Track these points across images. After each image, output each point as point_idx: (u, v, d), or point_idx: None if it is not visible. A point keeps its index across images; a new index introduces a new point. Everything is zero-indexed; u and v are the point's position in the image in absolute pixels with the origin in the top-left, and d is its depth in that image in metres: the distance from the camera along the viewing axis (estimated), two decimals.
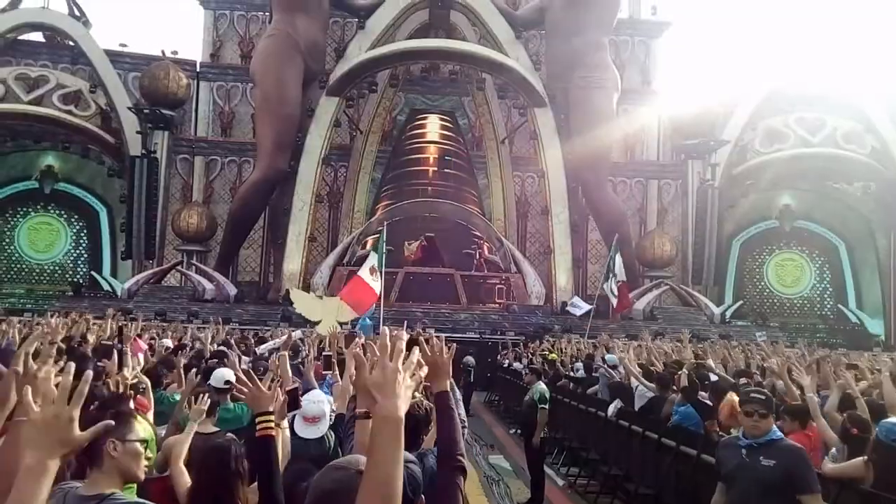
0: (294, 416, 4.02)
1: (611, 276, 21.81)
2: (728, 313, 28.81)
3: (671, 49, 64.78)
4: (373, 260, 15.68)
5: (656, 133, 33.07)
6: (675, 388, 8.14)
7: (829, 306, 34.47)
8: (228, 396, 5.30)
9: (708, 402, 7.63)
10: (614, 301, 22.00)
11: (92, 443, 1.95)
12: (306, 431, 3.83)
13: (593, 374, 11.42)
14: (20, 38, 30.80)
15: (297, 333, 11.18)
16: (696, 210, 30.52)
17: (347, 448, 3.31)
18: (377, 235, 29.04)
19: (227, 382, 5.17)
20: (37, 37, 31.53)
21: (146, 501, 2.50)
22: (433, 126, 34.11)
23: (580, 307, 23.23)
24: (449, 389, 2.68)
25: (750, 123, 30.75)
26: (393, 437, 1.67)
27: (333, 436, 3.89)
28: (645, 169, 33.06)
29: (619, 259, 21.97)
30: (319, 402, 3.99)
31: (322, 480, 1.87)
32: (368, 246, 30.12)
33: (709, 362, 9.83)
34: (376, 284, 15.28)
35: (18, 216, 32.70)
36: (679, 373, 8.45)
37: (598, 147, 27.79)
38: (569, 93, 29.00)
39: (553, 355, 14.01)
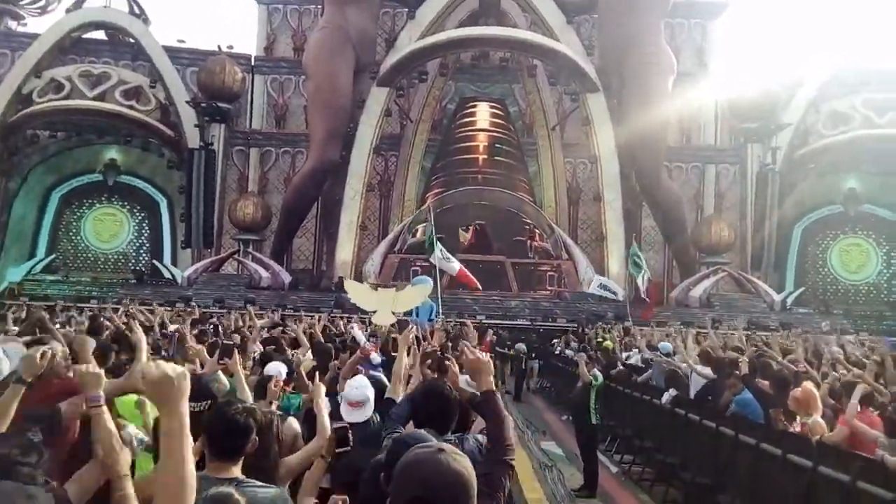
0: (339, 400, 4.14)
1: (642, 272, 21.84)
2: (789, 300, 27.94)
3: (729, 30, 62.87)
4: (438, 250, 15.68)
5: (713, 116, 32.18)
6: (735, 372, 7.97)
7: None
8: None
9: (769, 390, 7.45)
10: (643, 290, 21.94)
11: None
12: (352, 416, 3.93)
13: (649, 363, 11.24)
14: (84, 36, 31.90)
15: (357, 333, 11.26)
16: (755, 195, 29.63)
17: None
18: (426, 223, 29.28)
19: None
20: (99, 35, 32.60)
21: (274, 486, 2.64)
22: (483, 114, 33.97)
23: (608, 287, 22.86)
24: (495, 389, 2.69)
25: (813, 105, 29.64)
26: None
27: (378, 418, 3.98)
28: (702, 153, 32.24)
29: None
30: (363, 387, 4.14)
31: (428, 471, 1.75)
32: (419, 234, 30.33)
33: (770, 351, 9.60)
34: (455, 266, 15.46)
35: (84, 208, 34.00)
36: (741, 359, 8.27)
37: (652, 131, 27.22)
38: (623, 77, 28.45)
39: (607, 343, 13.85)
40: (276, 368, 5.69)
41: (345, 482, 3.16)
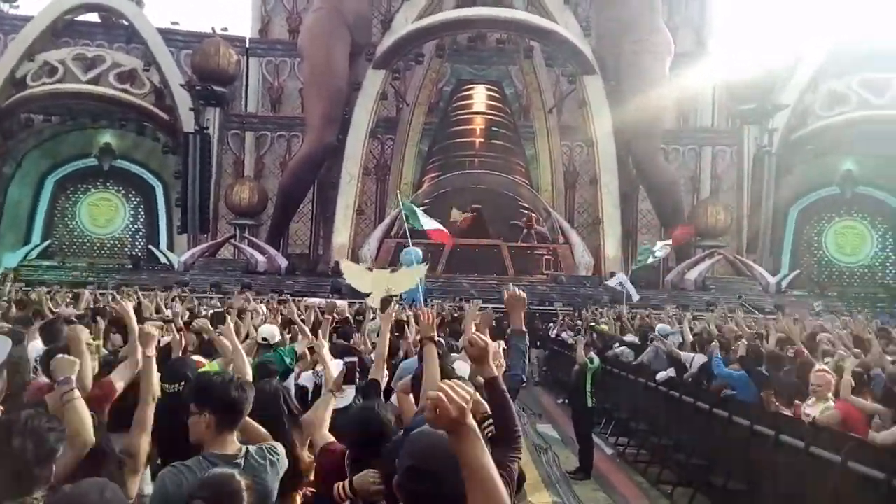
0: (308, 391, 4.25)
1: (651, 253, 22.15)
2: (784, 283, 28.02)
3: (728, 8, 62.36)
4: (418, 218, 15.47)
5: (710, 98, 32.03)
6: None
7: (891, 275, 33.18)
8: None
9: (765, 372, 7.52)
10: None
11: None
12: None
13: (648, 343, 11.27)
14: (77, 19, 31.59)
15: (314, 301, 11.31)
16: (751, 177, 29.60)
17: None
18: (424, 208, 29.22)
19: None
20: (92, 17, 32.26)
21: (277, 443, 2.77)
22: (480, 96, 33.80)
23: (625, 287, 22.81)
24: (498, 375, 2.65)
25: (810, 86, 29.52)
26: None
27: (361, 399, 4.03)
28: (699, 135, 32.14)
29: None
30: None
31: (423, 444, 1.82)
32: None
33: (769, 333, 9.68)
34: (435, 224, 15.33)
35: (79, 192, 33.88)
36: (737, 344, 8.35)
37: (650, 114, 27.12)
38: (619, 58, 28.30)
39: (602, 326, 13.90)
40: (270, 330, 5.84)
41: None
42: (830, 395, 5.89)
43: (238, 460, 2.59)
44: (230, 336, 4.46)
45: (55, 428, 2.30)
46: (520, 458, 2.63)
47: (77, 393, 2.74)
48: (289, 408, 3.30)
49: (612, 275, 23.97)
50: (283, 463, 2.73)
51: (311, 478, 3.20)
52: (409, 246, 14.94)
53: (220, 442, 2.66)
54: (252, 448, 2.69)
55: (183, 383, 3.64)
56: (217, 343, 4.68)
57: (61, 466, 2.40)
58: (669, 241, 23.85)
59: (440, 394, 1.53)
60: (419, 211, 15.28)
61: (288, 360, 5.28)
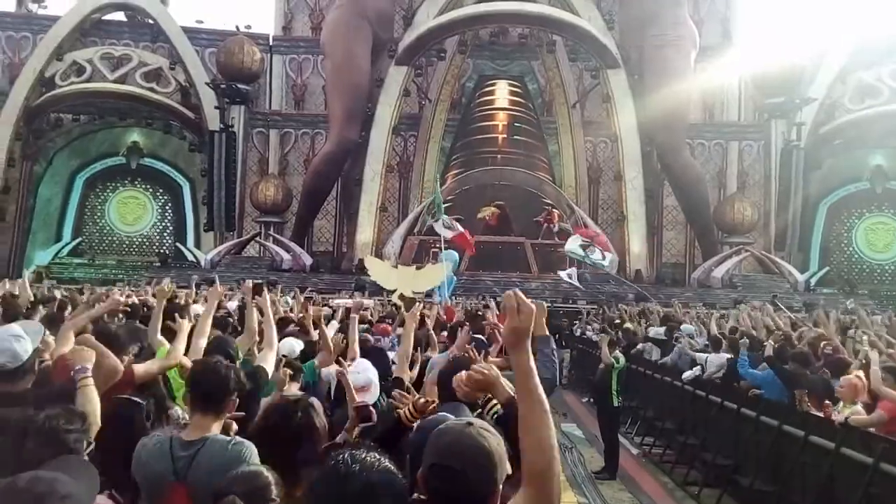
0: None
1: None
2: (813, 280, 27.57)
3: (754, 0, 61.25)
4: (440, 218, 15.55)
5: (737, 92, 31.59)
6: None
7: None
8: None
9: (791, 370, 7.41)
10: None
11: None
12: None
13: (674, 342, 11.17)
14: (103, 18, 32.06)
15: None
16: (779, 172, 29.12)
17: None
18: (447, 205, 29.19)
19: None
20: (119, 16, 32.74)
21: (242, 439, 2.74)
22: (502, 92, 33.67)
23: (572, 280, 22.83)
24: (513, 395, 2.53)
25: (839, 78, 28.95)
26: None
27: (386, 399, 4.00)
28: (725, 130, 31.71)
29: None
30: (365, 371, 4.12)
31: (446, 441, 1.79)
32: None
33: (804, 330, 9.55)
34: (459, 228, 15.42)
35: (108, 191, 34.41)
36: (766, 342, 8.23)
37: (674, 108, 26.81)
38: (643, 52, 28.02)
39: (627, 324, 13.80)
40: (290, 345, 5.81)
41: None
42: (859, 400, 5.80)
43: (197, 445, 2.70)
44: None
45: (75, 429, 2.26)
46: None
47: (90, 381, 2.90)
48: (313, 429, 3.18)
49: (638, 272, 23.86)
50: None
51: None
52: (440, 248, 14.95)
53: (192, 424, 2.81)
54: (220, 437, 2.77)
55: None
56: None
57: None
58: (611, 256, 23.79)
59: (514, 300, 1.91)
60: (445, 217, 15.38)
61: (309, 380, 5.06)
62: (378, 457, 1.73)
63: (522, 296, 1.93)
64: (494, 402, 2.67)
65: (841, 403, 5.96)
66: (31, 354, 3.19)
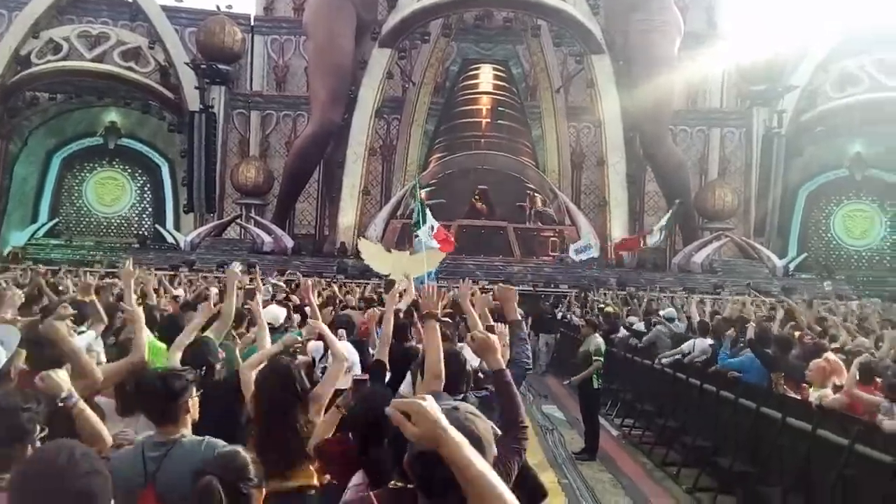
0: (323, 370, 4.23)
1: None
2: (792, 266, 27.89)
3: None
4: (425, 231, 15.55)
5: (720, 79, 31.69)
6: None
7: None
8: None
9: (772, 354, 7.50)
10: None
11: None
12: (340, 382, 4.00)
13: (651, 327, 11.28)
14: None
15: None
16: (760, 159, 29.35)
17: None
18: (430, 188, 29.14)
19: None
20: None
21: (213, 438, 2.70)
22: (486, 76, 33.53)
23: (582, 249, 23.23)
24: (504, 367, 2.75)
25: (822, 66, 29.14)
26: None
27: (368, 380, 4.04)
28: (707, 116, 31.86)
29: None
30: (348, 353, 4.21)
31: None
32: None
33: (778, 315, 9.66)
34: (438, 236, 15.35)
35: (85, 171, 33.87)
36: (747, 325, 8.34)
37: (658, 94, 26.86)
38: (628, 38, 27.99)
39: (609, 308, 13.88)
40: (274, 313, 5.79)
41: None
42: (829, 383, 5.89)
43: (168, 445, 2.67)
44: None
45: (30, 408, 2.26)
46: (525, 448, 2.60)
47: (81, 403, 2.83)
48: (296, 388, 3.30)
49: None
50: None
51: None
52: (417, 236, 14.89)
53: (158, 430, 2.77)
54: (189, 436, 2.76)
55: (205, 368, 3.68)
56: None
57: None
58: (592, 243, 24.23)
59: (397, 413, 1.46)
60: (429, 214, 15.25)
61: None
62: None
63: (416, 407, 1.48)
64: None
65: (812, 387, 6.05)
66: (6, 363, 3.14)
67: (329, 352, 4.19)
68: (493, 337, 2.80)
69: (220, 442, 2.65)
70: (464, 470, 1.44)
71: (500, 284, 4.12)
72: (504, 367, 2.75)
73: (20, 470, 1.68)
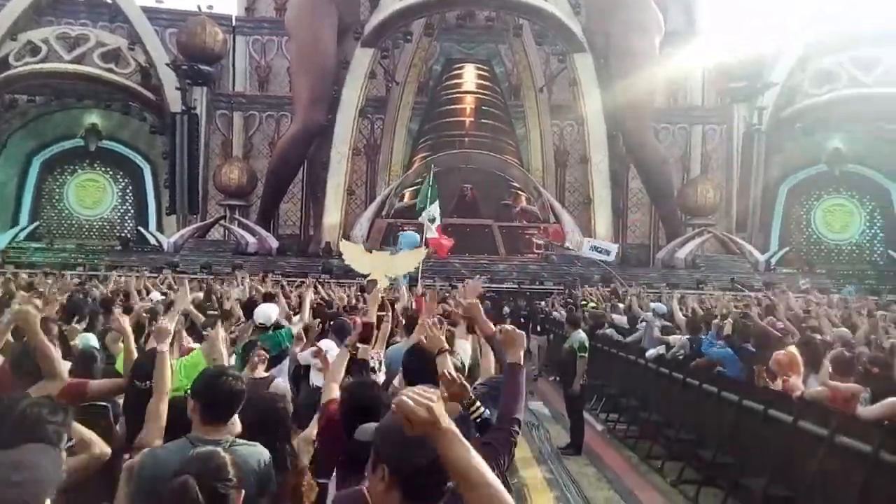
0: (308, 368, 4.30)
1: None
2: (773, 260, 28.20)
3: None
4: (434, 211, 15.54)
5: (700, 77, 31.98)
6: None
7: (879, 252, 33.47)
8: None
9: (752, 348, 7.60)
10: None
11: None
12: (321, 379, 4.08)
13: (638, 324, 11.35)
14: None
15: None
16: (741, 155, 29.66)
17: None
18: (415, 188, 29.13)
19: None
20: None
21: (257, 444, 2.71)
22: (469, 75, 33.59)
23: (604, 251, 23.25)
24: (522, 363, 2.78)
25: (799, 64, 29.49)
26: None
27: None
28: (688, 114, 32.15)
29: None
30: (332, 350, 4.25)
31: None
32: (406, 198, 30.20)
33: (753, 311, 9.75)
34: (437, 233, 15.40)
35: (66, 174, 33.51)
36: (724, 322, 8.43)
37: (639, 92, 27.07)
38: (609, 36, 28.16)
39: (593, 304, 13.97)
40: (266, 312, 5.77)
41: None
42: (792, 373, 5.98)
43: (223, 444, 2.57)
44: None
45: (56, 421, 2.25)
46: (516, 443, 2.64)
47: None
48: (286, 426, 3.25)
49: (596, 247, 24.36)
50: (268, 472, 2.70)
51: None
52: (403, 229, 14.91)
53: (206, 430, 2.68)
54: (240, 440, 2.71)
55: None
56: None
57: (74, 470, 2.44)
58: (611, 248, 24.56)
59: (405, 399, 1.43)
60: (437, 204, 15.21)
61: (286, 344, 5.24)
62: None
63: (416, 392, 1.47)
64: (478, 406, 2.67)
65: (779, 379, 6.15)
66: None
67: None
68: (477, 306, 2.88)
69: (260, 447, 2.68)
70: (464, 471, 1.45)
71: (464, 284, 3.52)
72: (522, 365, 2.78)
73: None
